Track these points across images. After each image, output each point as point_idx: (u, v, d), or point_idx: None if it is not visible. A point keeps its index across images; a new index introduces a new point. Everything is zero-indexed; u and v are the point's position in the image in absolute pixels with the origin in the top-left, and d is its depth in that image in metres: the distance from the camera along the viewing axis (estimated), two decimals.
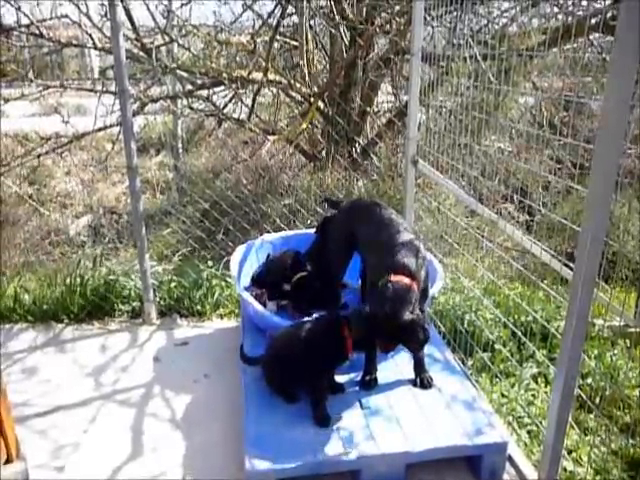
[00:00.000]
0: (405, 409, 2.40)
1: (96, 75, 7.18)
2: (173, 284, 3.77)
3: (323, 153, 5.64)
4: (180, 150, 7.09)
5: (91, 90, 5.21)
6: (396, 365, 2.70)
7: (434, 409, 2.41)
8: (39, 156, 4.97)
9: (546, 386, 2.89)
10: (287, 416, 2.35)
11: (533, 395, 2.82)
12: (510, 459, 2.34)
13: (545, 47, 3.57)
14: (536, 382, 2.90)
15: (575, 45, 4.52)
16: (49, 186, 7.66)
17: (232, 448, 2.43)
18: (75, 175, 7.52)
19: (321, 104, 5.31)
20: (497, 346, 3.03)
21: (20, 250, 5.67)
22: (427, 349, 2.84)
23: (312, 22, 5.71)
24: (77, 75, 8.77)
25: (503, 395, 2.81)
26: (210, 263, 3.98)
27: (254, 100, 5.15)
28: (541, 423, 2.61)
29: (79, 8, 4.50)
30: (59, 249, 5.82)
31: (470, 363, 2.97)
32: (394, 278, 2.30)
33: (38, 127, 6.18)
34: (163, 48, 5.50)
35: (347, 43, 5.48)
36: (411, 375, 2.61)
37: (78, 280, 3.70)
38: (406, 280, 2.31)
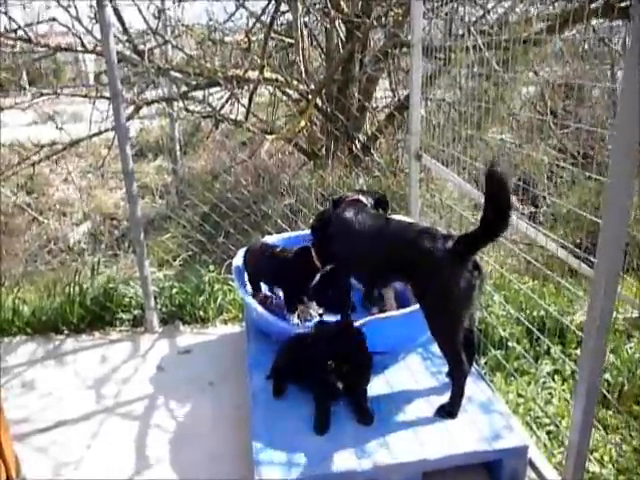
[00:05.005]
0: (419, 414, 2.30)
1: (91, 81, 7.10)
2: (174, 290, 3.68)
3: (323, 151, 5.55)
4: (178, 153, 7.02)
5: (85, 96, 5.11)
6: (408, 368, 2.61)
7: None
8: (34, 164, 4.89)
9: (563, 383, 2.79)
10: (298, 423, 2.25)
11: (550, 394, 2.72)
12: (530, 462, 2.24)
13: (545, 34, 3.47)
14: (553, 380, 2.80)
15: (575, 33, 4.42)
16: (47, 194, 7.59)
17: (239, 458, 2.35)
18: (73, 182, 7.44)
19: (319, 101, 5.21)
20: (510, 343, 2.93)
21: (19, 260, 5.59)
22: (438, 349, 2.76)
23: (307, 19, 5.62)
24: (72, 82, 8.70)
25: (519, 395, 2.71)
26: (212, 267, 3.88)
27: (250, 99, 5.05)
28: (560, 423, 2.51)
29: (68, 12, 4.41)
30: (58, 258, 5.74)
31: (483, 362, 2.86)
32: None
33: (35, 136, 6.10)
34: (157, 50, 5.42)
35: (343, 38, 5.38)
36: (424, 380, 2.52)
37: (77, 289, 3.61)
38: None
